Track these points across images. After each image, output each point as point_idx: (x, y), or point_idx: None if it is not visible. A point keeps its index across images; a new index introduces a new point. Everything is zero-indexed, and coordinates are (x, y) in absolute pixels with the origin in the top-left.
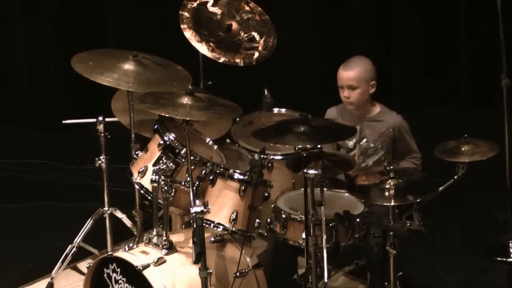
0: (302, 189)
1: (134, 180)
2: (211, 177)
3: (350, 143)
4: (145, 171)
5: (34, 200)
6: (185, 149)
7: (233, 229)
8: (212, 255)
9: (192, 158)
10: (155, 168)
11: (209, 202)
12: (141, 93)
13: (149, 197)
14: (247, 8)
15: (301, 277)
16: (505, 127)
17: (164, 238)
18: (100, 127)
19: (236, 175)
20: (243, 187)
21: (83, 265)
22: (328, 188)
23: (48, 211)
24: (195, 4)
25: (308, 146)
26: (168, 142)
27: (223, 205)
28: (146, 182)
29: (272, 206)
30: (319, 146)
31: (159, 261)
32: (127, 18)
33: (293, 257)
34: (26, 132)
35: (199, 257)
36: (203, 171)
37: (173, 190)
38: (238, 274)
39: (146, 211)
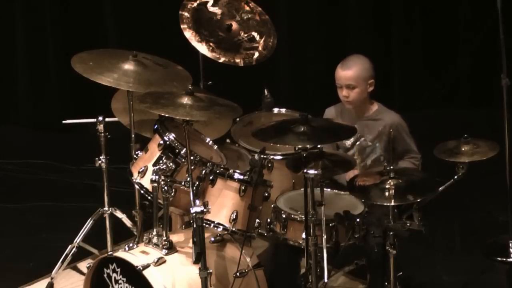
0: (302, 189)
1: (134, 180)
2: (211, 177)
3: (348, 143)
4: (145, 171)
5: (34, 200)
6: (185, 149)
7: (233, 229)
8: (212, 255)
9: (192, 158)
10: (155, 168)
11: (209, 202)
12: (141, 93)
13: (149, 197)
14: (247, 8)
15: (301, 277)
16: (505, 127)
17: (164, 238)
18: (100, 127)
19: (236, 175)
20: (243, 187)
21: (83, 265)
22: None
23: (48, 211)
24: (195, 4)
25: (308, 146)
26: (168, 142)
27: (223, 205)
28: (146, 182)
29: (272, 206)
30: (319, 146)
31: (159, 261)
32: (127, 18)
33: (294, 258)
34: (26, 132)
35: (199, 257)
36: (203, 171)
37: (173, 190)
38: (238, 274)
39: (146, 211)
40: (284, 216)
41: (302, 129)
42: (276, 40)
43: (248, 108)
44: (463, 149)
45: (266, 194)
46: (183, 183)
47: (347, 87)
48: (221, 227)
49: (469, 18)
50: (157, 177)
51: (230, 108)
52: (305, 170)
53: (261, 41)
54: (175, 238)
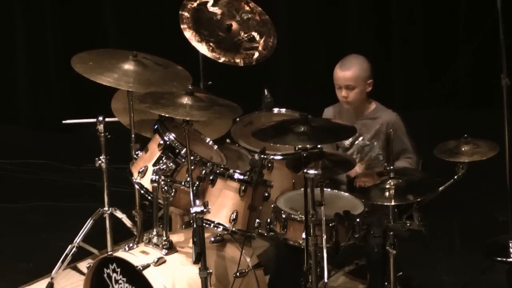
0: (302, 189)
1: (134, 180)
2: (211, 177)
3: (346, 142)
4: (145, 171)
5: (34, 200)
6: (185, 149)
7: (233, 229)
8: (212, 255)
9: (192, 158)
10: (155, 168)
11: (209, 202)
12: (141, 93)
13: (149, 197)
14: (247, 8)
15: (301, 277)
16: (505, 127)
17: (164, 238)
18: (100, 127)
19: (236, 175)
20: (243, 187)
21: (83, 265)
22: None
23: (48, 211)
24: (195, 4)
25: (308, 146)
26: (168, 142)
27: (223, 205)
28: (146, 182)
29: (272, 206)
30: (319, 146)
31: (159, 261)
32: (127, 18)
33: (295, 258)
34: (26, 132)
35: (199, 257)
36: (203, 171)
37: (173, 190)
38: (238, 274)
39: (146, 211)
40: (284, 216)
41: (302, 129)
42: (276, 40)
43: (248, 108)
44: (463, 149)
45: (266, 194)
46: (183, 183)
47: (346, 87)
48: (221, 227)
49: (469, 18)
50: (157, 177)
51: (230, 108)
52: (305, 170)
53: (261, 41)
54: (175, 238)
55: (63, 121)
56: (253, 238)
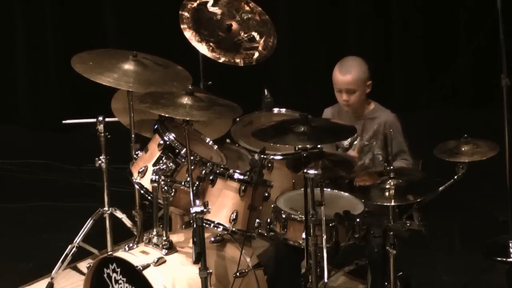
0: (302, 189)
1: (134, 180)
2: (211, 177)
3: (346, 143)
4: (145, 171)
5: (34, 200)
6: (185, 149)
7: (233, 229)
8: (212, 255)
9: (192, 158)
10: (155, 168)
11: (209, 202)
12: (141, 93)
13: (149, 197)
14: (247, 8)
15: (301, 277)
16: (505, 127)
17: (164, 238)
18: (100, 127)
19: (236, 175)
20: (243, 187)
21: (83, 265)
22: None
23: (48, 211)
24: (195, 4)
25: (308, 146)
26: (168, 142)
27: (223, 205)
28: (146, 182)
29: (272, 206)
30: (319, 146)
31: (159, 261)
32: (127, 18)
33: (295, 259)
34: (26, 132)
35: (199, 257)
36: (203, 171)
37: (173, 190)
38: (238, 274)
39: (146, 211)
40: (284, 216)
41: (302, 129)
42: (276, 40)
43: (248, 108)
44: (463, 149)
45: (266, 194)
46: (183, 183)
47: (347, 91)
48: (221, 227)
49: (469, 18)
50: (157, 177)
51: (230, 108)
52: (305, 170)
53: (261, 41)
54: (175, 238)
55: (63, 121)
56: (253, 238)
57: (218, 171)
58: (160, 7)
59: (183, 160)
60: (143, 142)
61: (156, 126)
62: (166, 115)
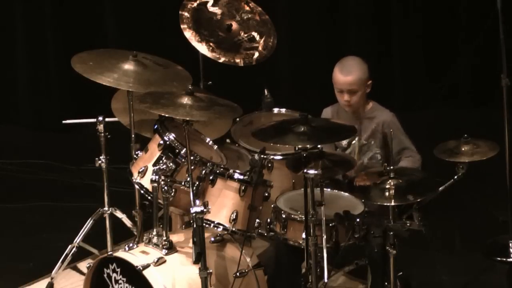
0: (302, 189)
1: (134, 180)
2: (211, 177)
3: (344, 142)
4: (145, 171)
5: (34, 200)
6: (185, 149)
7: (233, 229)
8: (212, 255)
9: (192, 158)
10: (155, 168)
11: (209, 202)
12: (141, 93)
13: (149, 197)
14: (247, 8)
15: (301, 277)
16: (505, 127)
17: (164, 238)
18: (100, 127)
19: (236, 175)
20: (243, 187)
21: (83, 265)
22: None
23: (48, 211)
24: (195, 4)
25: (308, 146)
26: (168, 142)
27: (223, 205)
28: (146, 182)
29: (272, 206)
30: (319, 146)
31: (159, 261)
32: (127, 18)
33: (295, 259)
34: (26, 132)
35: (199, 257)
36: (203, 171)
37: (173, 190)
38: (238, 274)
39: (146, 211)
40: (284, 216)
41: (302, 129)
42: (276, 40)
43: (248, 108)
44: (463, 149)
45: (266, 194)
46: (183, 183)
47: (349, 91)
48: (221, 227)
49: (469, 18)
50: (157, 177)
51: (230, 108)
52: (305, 170)
53: (261, 41)
54: (175, 238)
55: (63, 121)
56: (253, 238)
57: (218, 171)
58: (160, 7)
59: (183, 160)
60: (143, 142)
61: (156, 126)
62: (166, 115)
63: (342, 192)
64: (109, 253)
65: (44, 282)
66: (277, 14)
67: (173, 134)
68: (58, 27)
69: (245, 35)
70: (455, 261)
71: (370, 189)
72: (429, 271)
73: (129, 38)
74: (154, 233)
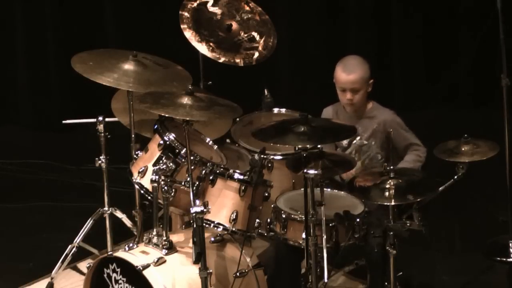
0: (302, 189)
1: (134, 180)
2: (211, 177)
3: (345, 142)
4: (145, 171)
5: (34, 200)
6: (185, 149)
7: (233, 229)
8: (212, 255)
9: (192, 158)
10: (155, 168)
11: (209, 202)
12: (141, 93)
13: (149, 197)
14: (247, 8)
15: (301, 277)
16: (505, 127)
17: (164, 238)
18: (100, 127)
19: (236, 175)
20: (243, 187)
21: (83, 265)
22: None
23: (48, 211)
24: (195, 4)
25: (308, 146)
26: (168, 142)
27: (223, 205)
28: (146, 182)
29: (272, 206)
30: (319, 146)
31: (159, 261)
32: (127, 18)
33: (295, 258)
34: (26, 132)
35: (199, 257)
36: (203, 171)
37: (173, 190)
38: (238, 274)
39: (146, 211)
40: (284, 216)
41: (302, 129)
42: (276, 40)
43: (248, 108)
44: (463, 149)
45: (266, 194)
46: (183, 183)
47: (352, 90)
48: (221, 227)
49: (469, 18)
50: (157, 177)
51: (230, 108)
52: (305, 170)
53: (261, 41)
54: (175, 238)
55: (63, 121)
56: (253, 238)
57: (218, 171)
58: (160, 7)
59: (183, 160)
60: (143, 142)
61: (156, 126)
62: (166, 115)
63: (342, 192)
64: (109, 253)
65: (44, 282)
66: (277, 14)
67: (173, 134)
68: (58, 27)
69: (245, 35)
70: (455, 261)
71: (370, 189)
72: (429, 271)
73: (129, 38)
74: (154, 233)
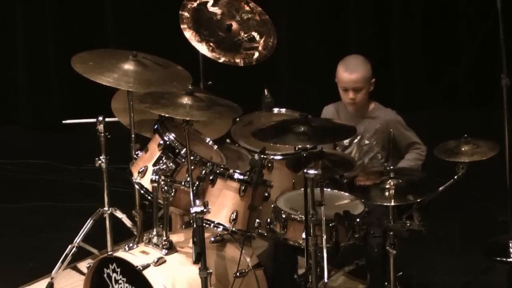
0: (302, 189)
1: (134, 180)
2: (211, 177)
3: (346, 141)
4: (145, 171)
5: (34, 200)
6: (185, 149)
7: (233, 229)
8: (212, 255)
9: (192, 158)
10: (155, 168)
11: (209, 202)
12: (141, 93)
13: (149, 197)
14: (247, 8)
15: (301, 277)
16: (505, 127)
17: (164, 238)
18: (100, 127)
19: (236, 175)
20: (243, 187)
21: (83, 265)
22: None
23: (48, 211)
24: (195, 4)
25: (308, 146)
26: (168, 142)
27: (223, 205)
28: (146, 182)
29: (272, 206)
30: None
31: (159, 261)
32: (127, 18)
33: (293, 257)
34: (26, 132)
35: (199, 257)
36: (203, 171)
37: (173, 190)
38: (238, 274)
39: (146, 211)
40: (284, 216)
41: (302, 129)
42: (276, 40)
43: (248, 108)
44: (463, 149)
45: (266, 194)
46: (183, 183)
47: (354, 90)
48: (221, 227)
49: (469, 18)
50: (157, 177)
51: (230, 108)
52: (305, 170)
53: (261, 41)
54: (175, 238)
55: (63, 121)
56: (253, 238)
57: (218, 171)
58: (160, 7)
59: (183, 160)
60: (143, 142)
61: (156, 126)
62: (166, 115)
63: (342, 192)
64: (109, 253)
65: (44, 282)
66: (277, 14)
67: (173, 134)
68: (58, 27)
69: (245, 35)
70: (455, 261)
71: (370, 189)
72: (429, 271)
73: (129, 38)
74: (154, 233)
